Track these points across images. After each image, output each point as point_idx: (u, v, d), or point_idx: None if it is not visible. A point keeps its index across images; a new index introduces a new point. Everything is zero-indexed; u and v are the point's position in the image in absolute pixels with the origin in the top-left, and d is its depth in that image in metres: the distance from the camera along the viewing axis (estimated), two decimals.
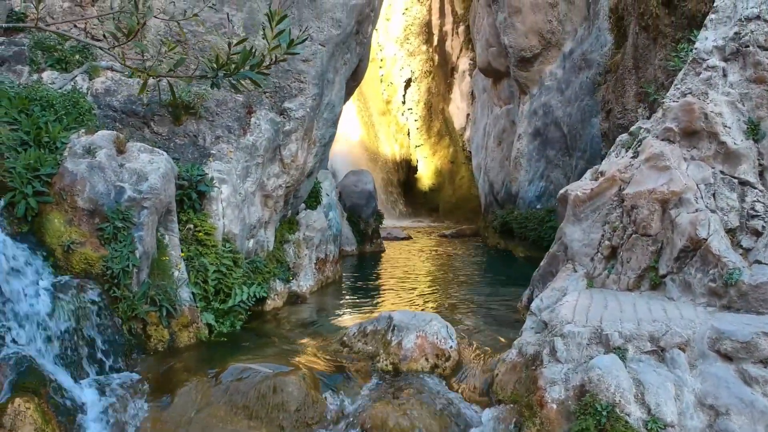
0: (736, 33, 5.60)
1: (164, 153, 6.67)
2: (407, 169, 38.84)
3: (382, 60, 39.36)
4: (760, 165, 5.40)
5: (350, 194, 15.49)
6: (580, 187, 6.37)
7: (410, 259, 13.87)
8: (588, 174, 6.80)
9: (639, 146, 6.11)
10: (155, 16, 4.56)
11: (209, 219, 6.90)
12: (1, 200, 5.68)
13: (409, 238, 20.03)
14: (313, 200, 9.84)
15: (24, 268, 5.26)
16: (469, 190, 31.26)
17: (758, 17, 5.50)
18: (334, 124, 9.47)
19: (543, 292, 6.08)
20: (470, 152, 30.23)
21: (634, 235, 5.68)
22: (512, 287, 9.45)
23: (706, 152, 5.58)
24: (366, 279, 11.14)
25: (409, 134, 38.27)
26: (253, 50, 4.85)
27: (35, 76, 7.73)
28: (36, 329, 5.08)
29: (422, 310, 8.22)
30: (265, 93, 8.58)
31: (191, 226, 6.73)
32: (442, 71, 35.34)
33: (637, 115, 9.78)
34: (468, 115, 33.07)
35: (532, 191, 14.03)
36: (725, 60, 5.66)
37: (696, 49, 5.84)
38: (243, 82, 4.75)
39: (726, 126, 5.50)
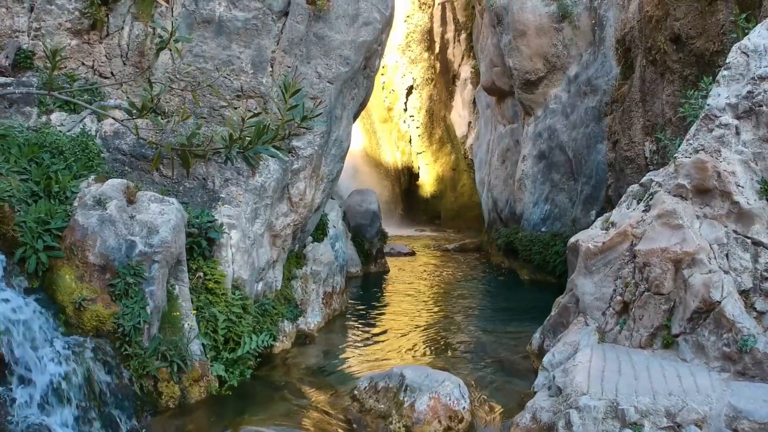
0: (749, 92, 5.59)
1: (174, 201, 6.65)
2: (409, 176, 38.87)
3: (383, 67, 39.32)
4: None
5: (354, 214, 15.47)
6: (591, 239, 6.36)
7: (414, 284, 13.85)
8: (598, 222, 6.79)
9: (650, 200, 6.10)
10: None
11: (219, 266, 6.89)
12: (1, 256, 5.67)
13: (412, 253, 20.03)
14: (320, 232, 9.84)
15: (36, 330, 5.25)
16: (470, 198, 31.25)
17: None
18: (342, 158, 9.46)
19: (555, 346, 6.08)
20: (472, 160, 30.24)
21: (646, 293, 5.67)
22: (519, 322, 9.45)
23: (719, 211, 5.58)
24: (371, 308, 11.13)
25: (410, 141, 38.30)
26: (267, 126, 4.85)
27: (44, 118, 7.72)
28: (48, 392, 5.07)
29: (429, 350, 8.22)
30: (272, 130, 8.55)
31: (201, 274, 6.72)
32: (444, 79, 35.35)
33: (644, 148, 9.77)
34: (470, 123, 33.07)
35: (537, 214, 14.02)
36: (738, 118, 5.65)
37: (709, 105, 5.83)
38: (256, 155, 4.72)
39: (739, 185, 5.50)
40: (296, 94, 4.77)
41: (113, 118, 5.08)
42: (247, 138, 4.78)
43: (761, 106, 5.50)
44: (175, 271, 6.46)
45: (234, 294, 6.85)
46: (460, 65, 34.21)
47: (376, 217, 15.83)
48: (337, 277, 10.03)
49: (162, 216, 6.27)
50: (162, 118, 8.14)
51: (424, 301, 11.82)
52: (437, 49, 35.68)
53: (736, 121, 5.65)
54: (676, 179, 5.85)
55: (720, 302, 5.16)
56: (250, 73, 8.61)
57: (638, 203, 6.30)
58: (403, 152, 39.16)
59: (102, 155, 7.41)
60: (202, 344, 6.33)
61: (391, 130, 40.11)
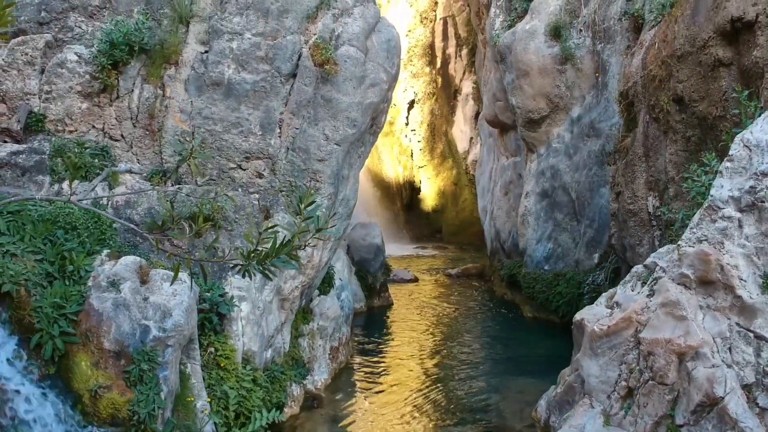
0: (751, 186, 5.71)
1: (186, 278, 6.76)
2: (410, 190, 39.03)
3: None
4: None
5: (358, 248, 15.58)
6: (596, 319, 6.47)
7: (418, 323, 13.94)
8: (603, 300, 6.90)
9: (654, 284, 6.21)
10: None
11: (229, 340, 7.00)
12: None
13: (415, 280, 20.13)
14: (326, 285, 9.95)
15: (55, 425, 5.37)
16: (471, 213, 31.37)
17: None
18: (349, 216, 9.58)
19: (562, 429, 6.18)
20: (473, 176, 30.35)
21: (650, 382, 5.78)
22: (525, 376, 9.56)
23: (722, 303, 5.69)
24: (375, 353, 11.25)
25: (412, 155, 38.46)
26: (284, 239, 4.97)
27: (56, 187, 7.84)
28: None
29: (434, 413, 8.33)
30: (281, 192, 8.68)
31: (212, 350, 6.84)
32: (446, 93, 35.53)
33: (647, 203, 9.88)
34: (471, 139, 33.21)
35: (540, 251, 14.12)
36: (741, 211, 5.77)
37: (712, 196, 5.95)
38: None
39: (742, 279, 5.61)
40: (312, 205, 4.88)
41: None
42: (264, 251, 4.89)
43: (763, 201, 5.62)
44: (187, 349, 6.57)
45: (245, 368, 6.96)
46: (461, 80, 34.39)
47: (379, 251, 15.94)
48: (343, 329, 10.14)
49: (175, 297, 6.38)
50: (172, 183, 8.26)
51: (428, 346, 11.92)
52: (439, 64, 35.87)
53: (738, 214, 5.76)
54: (680, 268, 5.97)
55: (723, 398, 5.27)
56: (259, 134, 8.73)
57: (642, 286, 6.41)
58: (405, 166, 39.32)
59: (114, 226, 7.53)
60: (214, 422, 6.44)
61: (393, 145, 40.25)
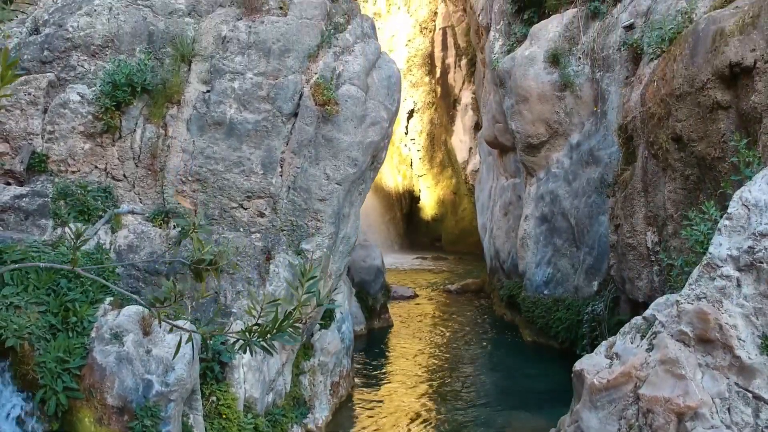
0: (750, 246, 5.76)
1: (188, 326, 6.80)
2: (410, 200, 39.14)
3: None
4: None
5: (358, 270, 15.64)
6: (595, 371, 6.52)
7: (417, 348, 13.97)
8: (603, 348, 6.94)
9: (654, 338, 6.26)
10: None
11: (231, 388, 7.05)
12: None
13: (415, 296, 20.20)
14: (327, 319, 9.99)
15: None
16: (471, 223, 31.43)
17: None
18: (349, 253, 9.63)
19: None
20: (473, 185, 30.44)
21: None
22: (525, 412, 9.61)
23: (721, 362, 5.74)
24: (375, 384, 11.30)
25: (411, 165, 38.57)
26: (286, 315, 5.02)
27: (59, 231, 7.88)
28: None
29: None
30: (282, 231, 8.73)
31: (214, 399, 6.88)
32: (445, 103, 35.63)
33: (646, 238, 9.93)
34: (470, 149, 33.30)
35: (540, 275, 14.17)
36: (739, 270, 5.81)
37: (711, 254, 5.99)
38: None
39: (741, 339, 5.65)
40: (312, 280, 4.92)
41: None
42: (266, 326, 4.94)
43: (762, 262, 5.67)
44: (189, 400, 6.61)
45: (246, 416, 7.01)
46: (461, 90, 34.50)
47: (379, 272, 16.00)
48: (344, 361, 10.18)
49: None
50: (175, 226, 8.30)
51: (427, 376, 11.96)
52: (438, 74, 35.99)
53: (737, 274, 5.81)
54: (679, 325, 6.01)
55: None
56: (260, 173, 8.78)
57: (642, 339, 6.46)
58: (404, 176, 39.43)
59: (116, 271, 7.58)
60: None
61: (392, 154, 40.34)
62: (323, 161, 8.86)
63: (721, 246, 5.97)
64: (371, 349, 13.91)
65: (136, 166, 8.74)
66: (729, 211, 6.02)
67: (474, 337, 14.90)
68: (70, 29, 9.02)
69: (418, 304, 18.99)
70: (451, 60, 36.30)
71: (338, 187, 8.83)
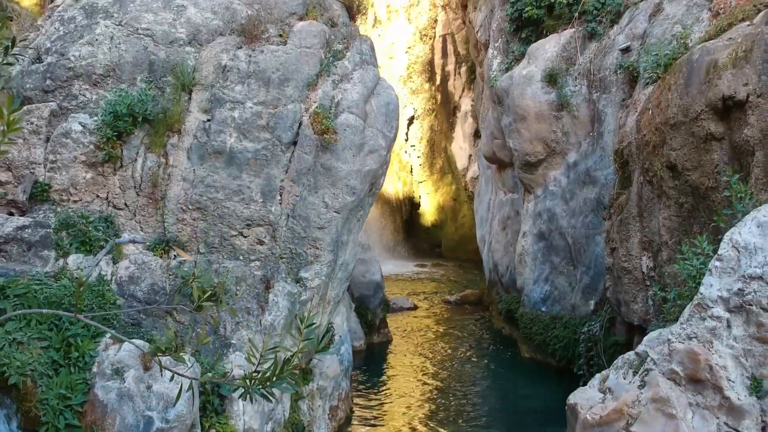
0: (740, 289, 5.87)
1: (189, 360, 6.92)
2: (410, 206, 39.32)
3: None
4: (762, 421, 5.66)
5: (358, 285, 15.75)
6: (588, 406, 6.63)
7: (416, 364, 14.07)
8: (596, 382, 7.05)
9: (646, 375, 6.37)
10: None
11: (230, 420, 7.16)
12: None
13: (414, 308, 20.32)
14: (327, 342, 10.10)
15: None
16: (470, 230, 31.56)
17: (761, 278, 5.76)
18: (348, 279, 9.74)
19: None
20: (472, 192, 30.60)
21: None
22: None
23: (711, 402, 5.85)
24: (374, 407, 11.40)
25: (411, 171, 38.74)
26: (285, 362, 5.13)
27: (61, 262, 7.99)
28: None
29: None
30: (281, 259, 8.85)
31: (213, 431, 6.99)
32: (445, 110, 35.79)
33: (641, 262, 10.04)
34: (470, 156, 33.43)
35: (537, 292, 14.27)
36: (729, 311, 5.92)
37: (701, 294, 6.10)
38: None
39: (730, 380, 5.76)
40: (311, 327, 5.03)
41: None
42: (266, 374, 5.04)
43: (751, 305, 5.77)
44: None
45: None
46: (460, 97, 34.64)
47: (379, 287, 16.12)
48: (343, 384, 10.29)
49: (177, 385, 6.54)
50: (175, 256, 8.41)
51: (425, 395, 12.07)
52: (438, 81, 36.14)
53: (727, 315, 5.92)
54: (671, 363, 6.12)
55: None
56: (260, 201, 8.89)
57: (634, 375, 6.56)
58: (405, 182, 39.60)
59: (118, 303, 7.69)
60: None
61: (393, 160, 40.29)
62: (322, 189, 8.97)
63: (712, 287, 6.08)
64: (370, 365, 14.02)
65: (137, 194, 8.85)
66: (720, 252, 6.13)
67: (473, 353, 15.00)
68: (72, 58, 9.14)
69: (417, 316, 19.10)
70: (450, 67, 36.45)
71: (337, 215, 8.95)
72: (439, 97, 37.54)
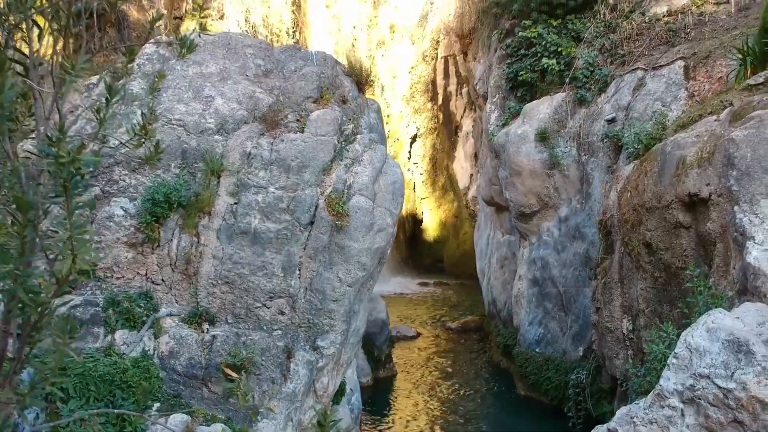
0: (691, 385, 6.98)
1: (222, 428, 8.07)
2: (413, 223, 40.46)
3: (388, 116, 40.92)
4: None
5: (366, 323, 16.86)
6: None
7: (419, 400, 15.21)
8: None
9: None
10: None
11: None
12: None
13: (417, 335, 21.47)
14: (338, 395, 11.23)
15: None
16: (471, 247, 32.60)
17: (708, 377, 6.88)
18: (359, 342, 10.87)
19: None
20: (473, 210, 31.73)
21: None
22: None
23: None
24: None
25: (414, 188, 39.87)
26: None
27: (109, 338, 9.14)
28: None
29: None
30: (300, 327, 9.98)
31: None
32: (447, 129, 36.90)
33: (621, 324, 11.15)
34: (471, 175, 34.54)
35: (532, 333, 15.39)
36: (683, 402, 7.04)
37: (661, 385, 7.23)
38: None
39: None
40: (333, 424, 6.16)
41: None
42: None
43: (700, 399, 6.89)
44: None
45: None
46: (462, 117, 35.75)
47: (384, 325, 17.27)
48: (353, 431, 11.43)
49: None
50: (207, 329, 9.56)
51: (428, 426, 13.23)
52: (440, 101, 37.23)
53: (681, 405, 7.04)
54: None
55: None
56: (281, 276, 10.02)
57: None
58: (408, 199, 40.72)
59: (160, 376, 8.84)
60: None
61: None
62: (336, 266, 10.10)
63: (669, 380, 7.20)
64: (376, 401, 15.15)
65: (173, 271, 10.00)
66: (676, 351, 7.25)
67: (473, 388, 16.11)
68: (113, 146, 10.28)
69: (419, 347, 20.22)
70: (452, 88, 37.51)
71: (349, 289, 10.08)
72: (440, 116, 38.61)
